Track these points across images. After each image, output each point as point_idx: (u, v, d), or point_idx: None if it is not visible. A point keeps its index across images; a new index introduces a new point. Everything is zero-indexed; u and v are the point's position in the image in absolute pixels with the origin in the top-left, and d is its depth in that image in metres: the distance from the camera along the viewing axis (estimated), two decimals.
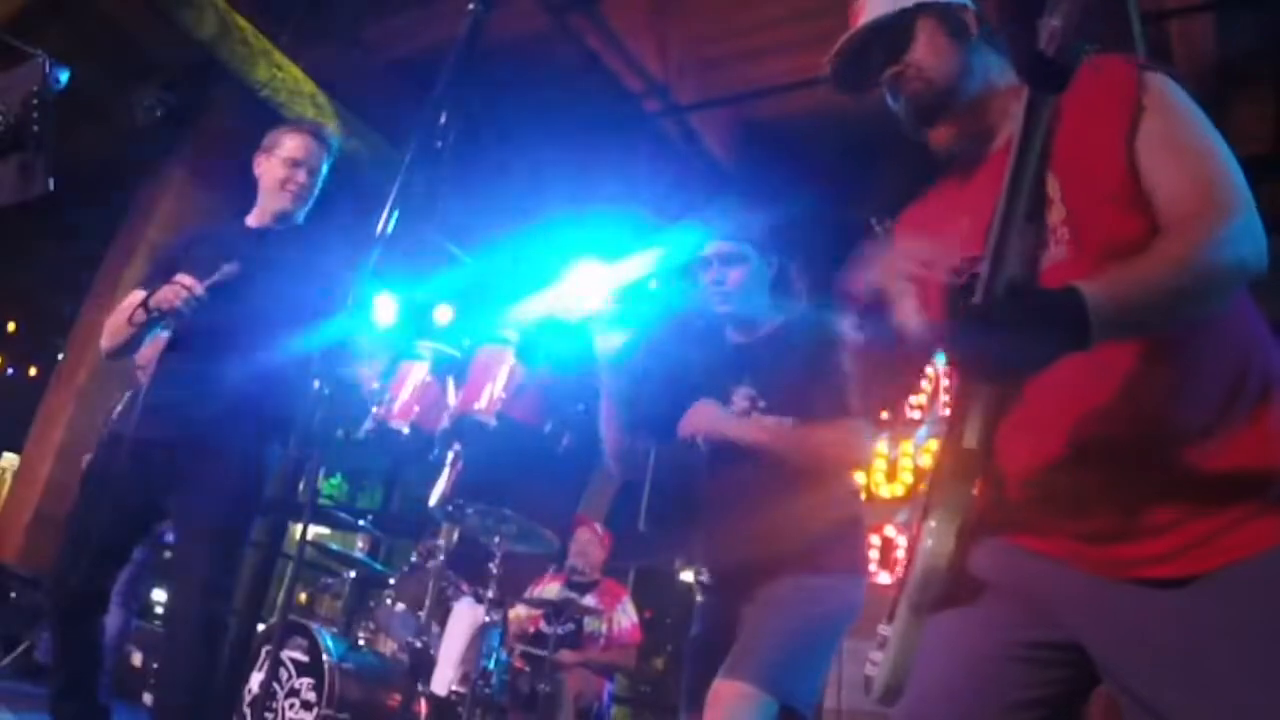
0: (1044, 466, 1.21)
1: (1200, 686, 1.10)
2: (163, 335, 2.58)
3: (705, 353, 2.35)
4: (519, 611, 4.53)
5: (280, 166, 2.67)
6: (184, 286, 2.42)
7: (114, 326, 2.58)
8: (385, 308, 5.39)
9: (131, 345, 2.60)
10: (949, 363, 1.16)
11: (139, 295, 2.52)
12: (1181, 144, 1.20)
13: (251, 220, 2.74)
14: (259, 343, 2.45)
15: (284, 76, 4.98)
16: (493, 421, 5.38)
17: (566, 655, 4.34)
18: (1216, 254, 1.12)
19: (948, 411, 1.19)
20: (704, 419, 2.23)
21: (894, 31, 1.38)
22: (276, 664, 3.74)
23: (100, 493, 2.50)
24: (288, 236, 2.69)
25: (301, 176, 2.68)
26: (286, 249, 2.64)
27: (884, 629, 1.26)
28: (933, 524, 1.19)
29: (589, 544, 4.86)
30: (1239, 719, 1.08)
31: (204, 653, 2.32)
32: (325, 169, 2.75)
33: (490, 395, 5.50)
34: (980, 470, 1.16)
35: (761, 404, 2.23)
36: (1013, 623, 1.26)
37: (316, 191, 2.75)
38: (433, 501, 4.15)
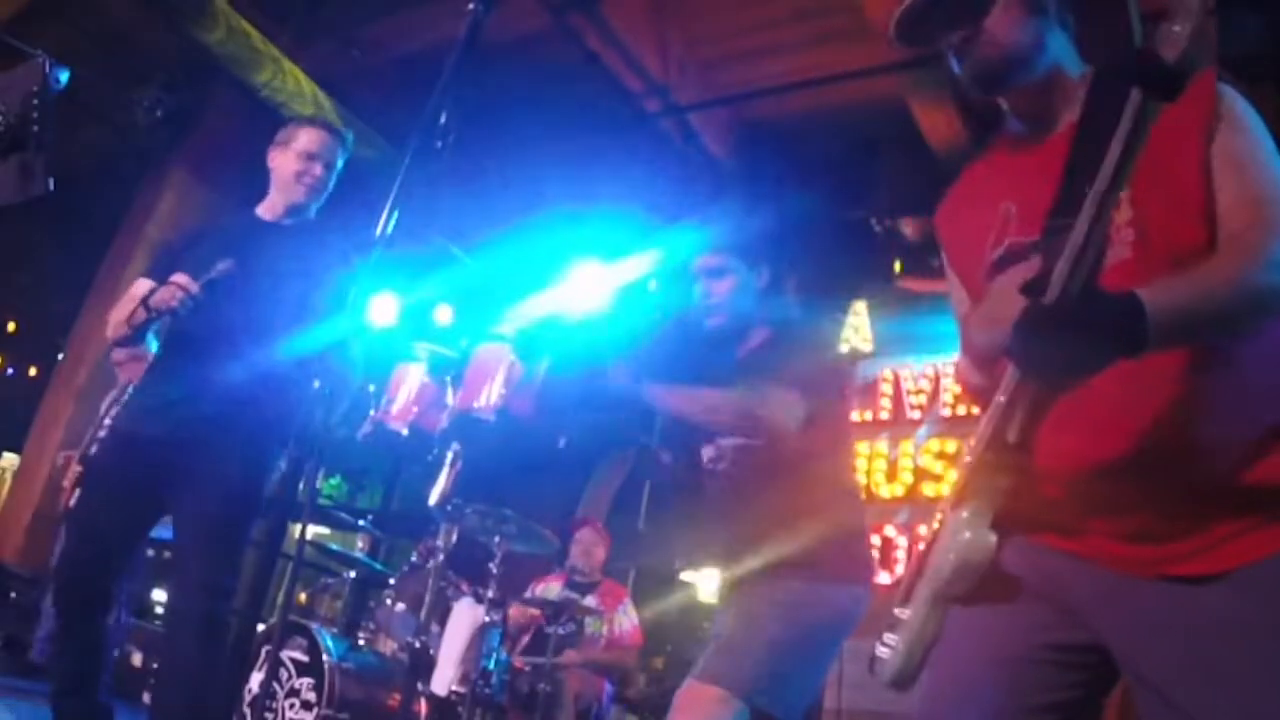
0: (1091, 467, 1.20)
1: (1218, 682, 1.11)
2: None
3: (700, 366, 2.34)
4: (519, 611, 4.52)
5: (295, 160, 2.67)
6: (179, 286, 2.42)
7: (117, 319, 2.57)
8: (385, 308, 5.38)
9: (135, 337, 2.59)
10: (1009, 358, 1.13)
11: (144, 285, 2.52)
12: (1246, 161, 1.21)
13: (263, 212, 2.73)
14: (258, 340, 2.44)
15: (285, 77, 4.99)
16: (492, 418, 5.37)
17: (567, 655, 4.34)
18: (1267, 275, 1.12)
19: (1000, 402, 1.17)
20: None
21: None
22: (276, 664, 3.73)
23: (101, 490, 2.50)
24: (298, 230, 2.70)
25: (317, 169, 2.69)
26: (295, 244, 2.63)
27: (900, 612, 1.25)
28: (966, 515, 1.18)
29: (593, 544, 4.85)
30: (1252, 715, 1.09)
31: (204, 652, 2.30)
32: (340, 164, 2.76)
33: (490, 393, 5.49)
34: (1020, 467, 1.16)
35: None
36: (1040, 624, 1.26)
37: (330, 186, 2.75)
38: (432, 501, 4.15)
